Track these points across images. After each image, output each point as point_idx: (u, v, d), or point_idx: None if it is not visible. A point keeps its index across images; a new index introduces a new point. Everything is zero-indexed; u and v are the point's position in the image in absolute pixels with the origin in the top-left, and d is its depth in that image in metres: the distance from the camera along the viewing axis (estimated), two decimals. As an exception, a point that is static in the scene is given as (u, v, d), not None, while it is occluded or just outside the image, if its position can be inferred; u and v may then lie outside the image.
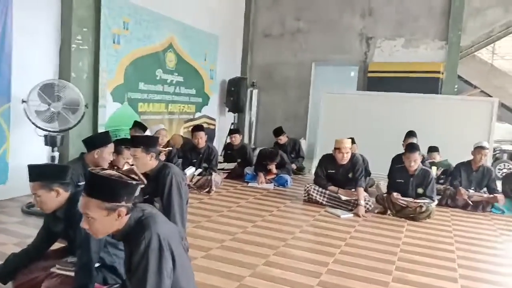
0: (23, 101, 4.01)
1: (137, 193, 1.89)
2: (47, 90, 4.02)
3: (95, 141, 3.53)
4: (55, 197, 2.42)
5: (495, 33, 8.70)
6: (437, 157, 6.20)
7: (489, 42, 9.08)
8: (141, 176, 2.05)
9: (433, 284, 3.01)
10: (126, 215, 1.79)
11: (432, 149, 6.28)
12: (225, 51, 9.03)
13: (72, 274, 2.38)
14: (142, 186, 1.97)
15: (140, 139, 3.30)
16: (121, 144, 4.13)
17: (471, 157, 5.69)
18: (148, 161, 3.16)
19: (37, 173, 2.40)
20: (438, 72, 8.47)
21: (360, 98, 7.99)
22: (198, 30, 7.88)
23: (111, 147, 3.52)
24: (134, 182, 1.80)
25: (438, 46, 8.65)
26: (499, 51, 11.05)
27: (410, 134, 6.28)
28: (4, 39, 4.37)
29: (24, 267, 2.53)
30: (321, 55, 9.62)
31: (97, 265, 2.42)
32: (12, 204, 4.45)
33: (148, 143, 3.18)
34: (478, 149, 5.61)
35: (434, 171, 5.73)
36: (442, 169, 6.07)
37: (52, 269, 2.48)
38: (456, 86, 8.91)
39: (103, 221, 1.74)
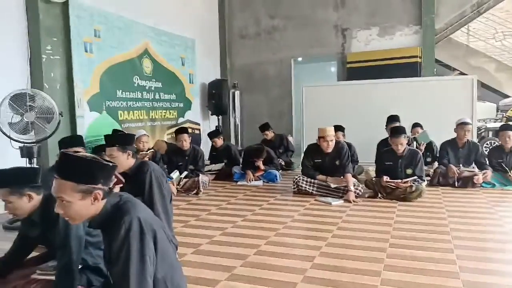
0: (-6, 114, 3.88)
1: (113, 177, 1.77)
2: (19, 100, 3.90)
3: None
4: (28, 202, 2.31)
5: (467, 14, 8.79)
6: (420, 131, 6.22)
7: (462, 23, 9.15)
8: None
9: (428, 256, 2.96)
10: (102, 199, 1.68)
11: (415, 125, 6.38)
12: (203, 55, 8.99)
13: (54, 278, 2.26)
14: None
15: (115, 137, 3.17)
16: (100, 151, 4.03)
17: (455, 135, 5.70)
18: (126, 160, 3.01)
19: (5, 179, 2.27)
20: (416, 56, 8.52)
21: (339, 88, 7.98)
22: (173, 35, 7.82)
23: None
24: (111, 164, 1.69)
25: (413, 31, 8.71)
26: (474, 32, 11.17)
27: (392, 118, 6.26)
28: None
29: (3, 277, 2.41)
30: (299, 51, 9.63)
31: (80, 266, 2.32)
32: (-7, 222, 4.29)
33: (123, 141, 3.05)
34: (461, 125, 5.62)
35: (415, 146, 5.77)
36: (425, 144, 6.03)
37: (33, 276, 2.37)
38: (435, 70, 8.97)
39: (78, 205, 1.62)
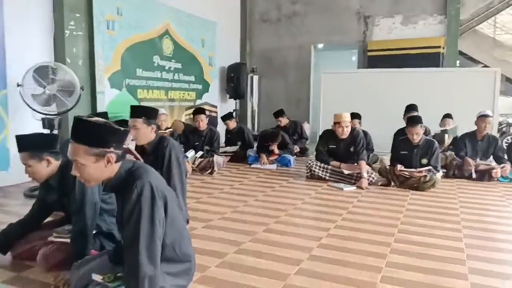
0: (18, 85, 4.01)
1: (127, 141, 1.83)
2: (42, 73, 4.01)
3: None
4: (46, 167, 2.41)
5: (494, 5, 8.56)
6: (451, 124, 6.10)
7: (489, 15, 8.91)
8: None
9: (436, 243, 2.96)
10: (116, 162, 1.75)
11: (446, 116, 6.20)
12: (223, 38, 8.98)
13: (69, 240, 2.37)
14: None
15: (141, 109, 3.17)
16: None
17: (475, 128, 5.61)
18: (148, 133, 3.02)
19: (26, 143, 2.38)
20: (439, 47, 8.35)
21: (359, 76, 7.91)
22: (194, 16, 7.84)
23: None
24: (122, 129, 1.76)
25: (437, 21, 8.53)
26: (501, 25, 10.85)
27: (410, 108, 6.19)
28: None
29: (21, 238, 2.53)
30: (320, 37, 9.54)
31: (94, 232, 2.41)
32: (15, 190, 4.47)
33: (149, 114, 3.04)
34: (482, 117, 5.52)
35: (446, 138, 5.68)
36: (452, 137, 5.93)
37: (50, 238, 2.48)
38: (458, 62, 8.79)
39: (92, 167, 1.70)
